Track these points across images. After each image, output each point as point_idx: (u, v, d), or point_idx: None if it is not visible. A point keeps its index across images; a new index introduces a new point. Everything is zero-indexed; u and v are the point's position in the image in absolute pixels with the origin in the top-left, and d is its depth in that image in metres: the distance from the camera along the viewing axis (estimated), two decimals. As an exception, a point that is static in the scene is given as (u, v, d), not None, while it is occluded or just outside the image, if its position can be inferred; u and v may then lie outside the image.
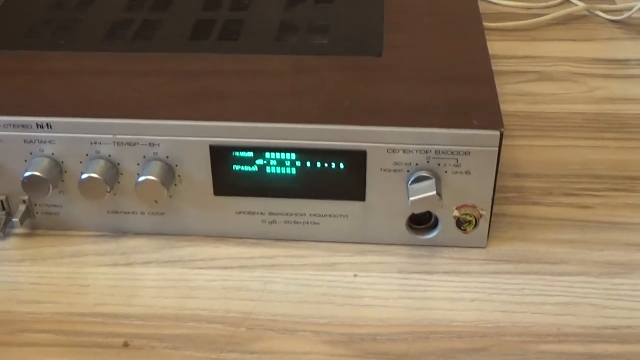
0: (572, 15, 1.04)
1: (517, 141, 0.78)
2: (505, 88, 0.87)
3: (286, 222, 0.65)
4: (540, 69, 0.91)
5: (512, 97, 0.85)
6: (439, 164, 0.61)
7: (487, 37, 0.85)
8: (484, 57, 0.69)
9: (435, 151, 0.60)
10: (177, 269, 0.64)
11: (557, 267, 0.63)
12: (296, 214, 0.64)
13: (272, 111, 0.62)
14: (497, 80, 0.81)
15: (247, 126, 0.61)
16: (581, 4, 1.04)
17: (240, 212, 0.65)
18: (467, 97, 0.64)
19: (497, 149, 0.60)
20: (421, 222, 0.65)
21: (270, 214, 0.65)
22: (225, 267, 0.64)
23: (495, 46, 0.95)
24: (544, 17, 1.02)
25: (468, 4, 0.79)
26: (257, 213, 0.65)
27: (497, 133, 0.60)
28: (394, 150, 0.61)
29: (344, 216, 0.64)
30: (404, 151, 0.60)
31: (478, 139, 0.60)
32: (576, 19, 1.03)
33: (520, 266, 0.64)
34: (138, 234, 0.67)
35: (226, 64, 0.69)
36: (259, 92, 0.65)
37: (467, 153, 0.60)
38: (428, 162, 0.61)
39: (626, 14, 1.02)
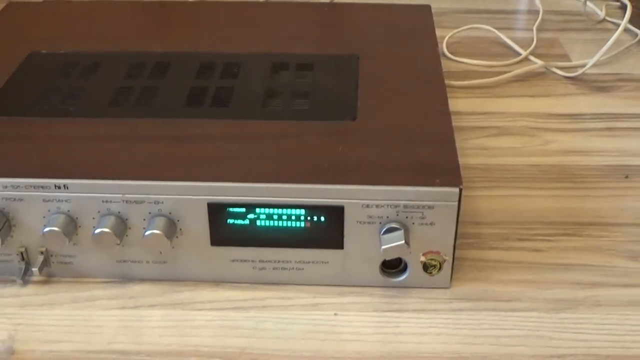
0: (532, 72, 1.14)
1: (477, 192, 0.88)
2: (468, 143, 0.96)
3: (275, 268, 0.74)
4: (500, 124, 1.01)
5: (474, 151, 0.95)
6: (407, 217, 0.70)
7: (453, 95, 0.95)
8: (446, 120, 0.79)
9: (404, 206, 0.70)
10: (178, 311, 0.73)
11: (511, 304, 0.73)
12: (283, 261, 0.74)
13: (261, 172, 0.72)
14: (461, 136, 0.92)
15: (240, 186, 0.71)
16: (540, 62, 1.15)
17: (234, 260, 0.74)
18: (431, 157, 0.73)
19: (457, 203, 0.70)
20: (393, 266, 0.74)
21: (261, 261, 0.74)
22: (222, 309, 0.73)
23: (460, 103, 1.05)
24: (506, 75, 1.12)
25: (433, 68, 0.89)
26: (249, 261, 0.74)
27: (457, 190, 0.69)
28: (368, 206, 0.70)
29: (325, 262, 0.74)
30: (376, 206, 0.70)
31: (440, 195, 0.70)
32: (535, 76, 1.13)
33: (480, 304, 0.73)
34: (143, 280, 0.76)
35: (219, 128, 0.79)
36: (249, 154, 0.74)
37: (431, 207, 0.70)
38: (397, 215, 0.70)
39: (580, 71, 1.12)
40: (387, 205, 0.70)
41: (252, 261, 0.74)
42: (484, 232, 0.81)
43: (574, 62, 1.15)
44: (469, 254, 0.78)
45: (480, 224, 0.83)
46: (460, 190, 0.69)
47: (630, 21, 1.21)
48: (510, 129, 0.99)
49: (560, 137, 0.98)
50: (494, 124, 1.01)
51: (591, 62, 1.11)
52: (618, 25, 1.18)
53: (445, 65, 1.10)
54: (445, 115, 0.80)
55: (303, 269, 0.74)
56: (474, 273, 0.76)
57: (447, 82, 1.02)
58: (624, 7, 1.21)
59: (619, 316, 0.72)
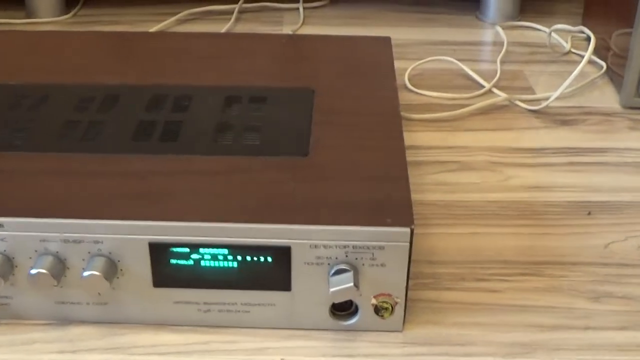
0: (495, 105, 1.11)
1: (434, 229, 0.85)
2: (426, 178, 0.94)
3: (220, 310, 0.71)
4: (460, 159, 0.98)
5: (432, 186, 0.92)
6: (356, 258, 0.68)
7: (413, 128, 0.93)
8: (400, 158, 0.76)
9: (353, 246, 0.67)
10: (118, 356, 0.69)
11: (465, 348, 0.70)
12: (229, 303, 0.71)
13: (205, 211, 0.69)
14: (420, 171, 0.89)
15: (183, 225, 0.68)
16: (503, 95, 1.12)
17: (177, 302, 0.71)
18: (383, 196, 0.71)
19: (408, 243, 0.67)
20: (343, 309, 0.71)
21: (205, 303, 0.71)
22: (163, 353, 0.70)
23: (420, 137, 1.03)
24: (468, 107, 1.09)
25: (390, 104, 0.87)
26: (193, 303, 0.71)
27: (408, 230, 0.67)
28: (316, 246, 0.67)
29: (272, 305, 0.70)
30: (324, 247, 0.67)
31: (391, 236, 0.67)
32: (498, 109, 1.11)
33: (433, 348, 0.70)
34: (83, 322, 0.72)
35: (166, 164, 0.76)
36: (195, 191, 0.71)
37: (381, 248, 0.67)
38: (347, 256, 0.68)
39: (544, 104, 1.10)
40: (336, 246, 0.67)
41: (197, 303, 0.71)
42: (440, 272, 0.79)
43: (538, 95, 1.13)
44: (423, 295, 0.76)
45: (436, 263, 0.80)
46: (412, 230, 0.67)
47: (595, 53, 1.20)
48: (471, 163, 0.97)
49: (522, 172, 0.96)
50: (454, 159, 0.98)
51: (555, 95, 1.09)
52: (583, 57, 1.16)
53: (407, 98, 1.09)
54: (399, 151, 0.77)
55: (249, 311, 0.71)
56: (428, 315, 0.73)
57: (407, 115, 1.00)
58: (589, 40, 1.19)
59: (579, 361, 0.69)
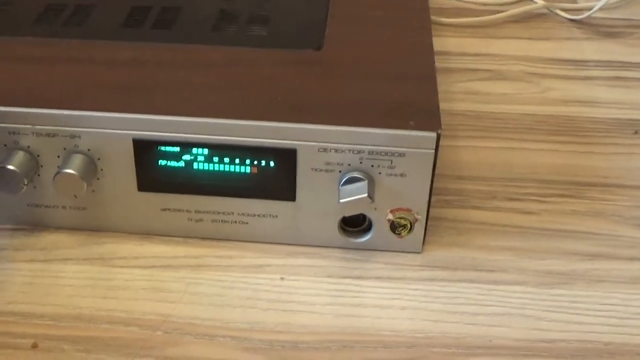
0: (531, 13, 1.01)
1: (462, 142, 0.75)
2: (455, 86, 0.84)
3: (214, 220, 0.62)
4: (493, 68, 0.88)
5: (461, 95, 0.82)
6: (372, 165, 0.58)
7: (441, 33, 0.83)
8: (428, 55, 0.66)
9: (369, 152, 0.57)
10: (96, 267, 0.61)
11: (494, 275, 0.61)
12: (224, 213, 0.61)
13: (200, 105, 0.59)
14: (448, 78, 0.79)
15: (173, 120, 0.58)
16: (541, 2, 1.02)
17: (165, 209, 0.62)
18: (406, 96, 0.61)
19: (433, 151, 0.57)
20: (355, 224, 0.62)
21: (197, 212, 0.62)
22: (148, 267, 0.61)
23: (449, 42, 0.92)
24: (502, 14, 0.99)
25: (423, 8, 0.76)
26: (184, 211, 0.62)
27: (434, 135, 0.57)
28: (325, 150, 0.58)
29: (273, 216, 0.61)
30: (335, 150, 0.58)
31: (413, 141, 0.57)
32: (535, 17, 1.00)
33: (456, 273, 0.61)
34: (59, 228, 0.63)
35: (158, 53, 0.66)
36: (189, 84, 0.62)
37: (402, 155, 0.57)
38: (361, 162, 0.58)
39: (586, 14, 0.99)
40: (349, 150, 0.57)
41: (187, 211, 0.62)
42: (468, 189, 0.69)
43: (580, 4, 1.02)
44: (447, 214, 0.66)
45: (463, 179, 0.70)
46: (439, 135, 0.57)
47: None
48: (505, 73, 0.87)
49: (561, 84, 0.85)
50: (486, 67, 0.88)
51: (599, 4, 0.98)
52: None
53: (438, 0, 0.98)
54: (426, 49, 0.67)
55: (247, 222, 0.61)
56: (452, 236, 0.64)
57: (436, 19, 0.91)
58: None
59: (623, 295, 0.60)
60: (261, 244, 0.62)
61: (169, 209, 0.62)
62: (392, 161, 0.58)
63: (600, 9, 1.00)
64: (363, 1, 0.76)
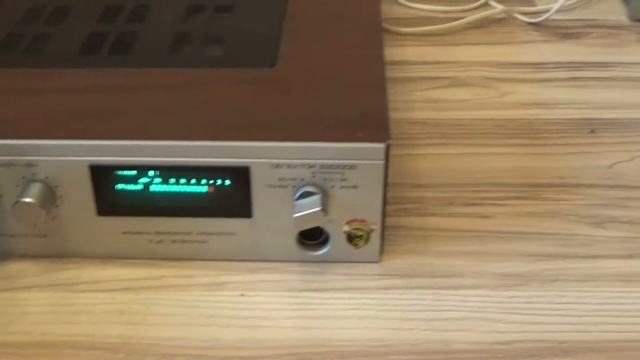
0: (491, 18, 1.02)
1: (421, 150, 0.76)
2: (415, 95, 0.85)
3: (173, 241, 0.63)
4: (453, 75, 0.89)
5: (421, 104, 0.83)
6: (325, 179, 0.59)
7: (401, 43, 0.84)
8: (379, 67, 0.67)
9: (321, 166, 0.59)
10: (59, 293, 0.61)
11: (451, 280, 0.62)
12: (183, 233, 0.62)
13: (154, 129, 0.60)
14: (408, 87, 0.80)
15: (128, 144, 0.59)
16: (500, 7, 1.03)
17: (126, 233, 0.63)
18: (356, 109, 0.62)
19: (383, 162, 0.58)
20: (313, 237, 0.62)
21: (157, 233, 0.63)
22: (110, 290, 0.61)
23: (409, 52, 0.93)
24: (461, 20, 1.00)
25: (371, 9, 0.77)
26: (143, 233, 0.63)
27: (383, 146, 0.58)
28: (278, 166, 0.59)
29: (231, 234, 0.62)
30: (288, 166, 0.59)
31: (363, 152, 0.58)
32: (494, 22, 1.01)
33: (414, 281, 0.62)
34: (22, 256, 0.64)
35: (115, 79, 0.67)
36: (144, 107, 0.63)
37: (353, 167, 0.58)
38: (314, 176, 0.59)
39: (544, 16, 1.00)
40: (301, 166, 0.58)
41: (147, 233, 0.63)
42: (426, 196, 0.70)
43: (539, 7, 1.03)
44: (405, 222, 0.67)
45: (422, 187, 0.71)
46: (388, 146, 0.58)
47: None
48: (464, 79, 0.88)
49: (519, 88, 0.86)
50: (445, 74, 0.89)
51: (556, 6, 1.00)
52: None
53: (398, 10, 1.00)
54: (377, 62, 0.68)
55: (206, 241, 0.62)
56: (411, 244, 0.65)
57: (397, 29, 0.92)
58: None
59: (577, 293, 0.61)
60: (221, 261, 0.63)
61: (129, 232, 0.63)
62: (344, 174, 0.59)
63: (558, 10, 1.01)
64: (317, 16, 0.77)
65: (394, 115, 0.75)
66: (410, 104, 0.84)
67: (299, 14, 0.77)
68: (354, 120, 0.61)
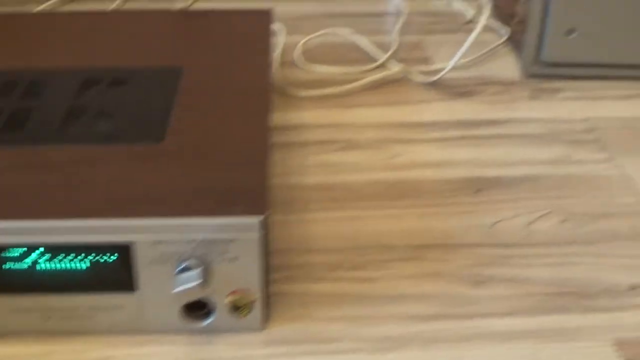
0: (389, 78, 1.06)
1: (313, 215, 0.79)
2: (309, 159, 0.88)
3: (62, 317, 0.65)
4: (347, 137, 0.92)
5: (315, 168, 0.86)
6: (205, 253, 0.61)
7: (300, 106, 0.86)
8: (262, 140, 0.70)
9: (201, 240, 0.61)
10: (-51, 374, 0.62)
11: (331, 345, 0.64)
12: (71, 309, 0.64)
13: (40, 207, 0.62)
14: (303, 151, 0.83)
15: (13, 225, 0.61)
16: (398, 67, 1.06)
17: (14, 310, 0.64)
18: (236, 183, 0.64)
19: (259, 234, 0.61)
20: (199, 307, 0.65)
21: (46, 310, 0.64)
22: (-1, 368, 0.63)
23: (307, 115, 0.96)
24: (359, 82, 1.03)
25: (261, 81, 0.80)
26: (33, 310, 0.64)
27: (258, 220, 0.60)
28: (159, 242, 0.61)
29: (118, 308, 0.64)
30: (169, 242, 0.61)
31: (241, 226, 0.61)
32: (393, 82, 1.05)
33: (297, 347, 0.64)
34: None
35: (4, 158, 0.69)
36: (31, 187, 0.65)
37: (232, 240, 0.61)
38: (195, 250, 0.61)
39: (439, 75, 1.04)
40: (182, 241, 0.61)
41: (36, 310, 0.64)
42: (314, 261, 0.73)
43: (434, 66, 1.07)
44: (292, 288, 0.69)
45: (311, 252, 0.74)
46: (265, 218, 0.60)
47: (500, 20, 1.15)
48: (358, 142, 0.91)
49: (411, 148, 0.90)
50: (341, 137, 0.92)
51: (450, 65, 1.03)
52: (487, 25, 1.10)
53: (297, 74, 1.03)
54: (262, 133, 0.71)
55: (94, 316, 0.64)
56: (296, 310, 0.67)
57: (295, 92, 0.94)
58: (494, 6, 1.14)
59: (457, 352, 0.63)
60: (110, 335, 0.65)
61: (18, 310, 0.64)
62: (223, 247, 0.61)
63: (454, 68, 1.05)
64: (209, 88, 0.79)
65: (287, 180, 0.79)
66: (304, 169, 0.86)
67: (191, 86, 0.80)
68: (233, 194, 0.63)
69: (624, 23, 1.02)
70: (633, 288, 0.70)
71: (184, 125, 0.73)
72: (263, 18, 0.96)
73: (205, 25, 0.95)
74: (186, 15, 1.01)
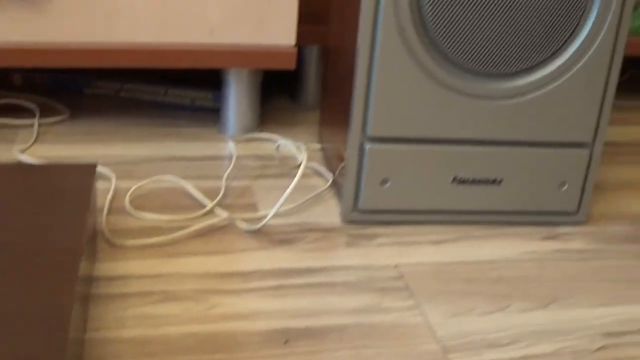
0: (215, 226, 1.10)
1: (124, 372, 0.81)
2: (129, 312, 0.91)
3: None
4: (168, 289, 0.96)
5: (133, 321, 0.89)
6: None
7: (125, 256, 0.90)
8: (62, 314, 0.73)
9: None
10: None
11: None
12: None
13: None
14: (124, 304, 0.86)
15: None
16: (224, 215, 1.11)
17: None
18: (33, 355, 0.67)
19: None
20: None
21: None
22: None
23: (131, 265, 1.00)
24: (186, 230, 1.07)
25: (73, 241, 0.83)
26: None
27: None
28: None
29: None
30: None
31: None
32: (218, 230, 1.09)
33: None
34: None
35: None
36: None
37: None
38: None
39: (262, 223, 1.09)
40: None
41: None
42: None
43: (259, 213, 1.12)
44: None
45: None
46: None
47: (328, 166, 1.21)
48: (177, 293, 0.95)
49: (227, 299, 0.94)
50: (161, 288, 0.96)
51: (271, 212, 1.09)
52: (315, 170, 1.16)
53: (124, 222, 1.06)
54: (63, 306, 0.74)
55: None
56: None
57: (120, 242, 0.98)
58: (323, 151, 1.20)
59: None
60: None
61: None
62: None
63: (277, 215, 1.10)
64: (17, 248, 0.82)
65: (103, 335, 0.81)
66: (122, 322, 0.89)
67: (4, 246, 0.82)
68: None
69: (433, 173, 1.10)
70: None
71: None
72: (87, 171, 0.99)
73: (28, 180, 0.98)
74: (11, 169, 1.04)
